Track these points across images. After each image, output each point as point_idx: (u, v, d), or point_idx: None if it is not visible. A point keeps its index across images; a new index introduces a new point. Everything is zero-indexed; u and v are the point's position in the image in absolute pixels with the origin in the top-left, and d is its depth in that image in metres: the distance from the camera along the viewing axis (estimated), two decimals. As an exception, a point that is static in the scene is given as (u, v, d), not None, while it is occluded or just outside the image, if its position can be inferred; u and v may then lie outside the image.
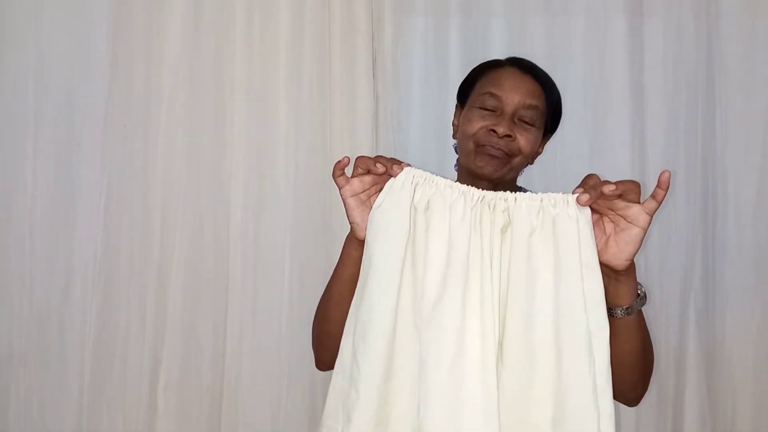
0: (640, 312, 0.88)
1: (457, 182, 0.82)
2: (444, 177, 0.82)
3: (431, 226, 0.80)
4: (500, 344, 0.79)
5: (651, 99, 1.52)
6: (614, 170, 1.51)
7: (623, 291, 0.85)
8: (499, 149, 1.02)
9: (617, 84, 1.52)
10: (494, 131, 1.02)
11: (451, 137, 1.17)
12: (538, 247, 0.78)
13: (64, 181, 1.52)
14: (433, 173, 0.82)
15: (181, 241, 1.51)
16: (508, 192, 0.80)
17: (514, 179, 1.11)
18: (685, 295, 1.52)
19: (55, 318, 1.51)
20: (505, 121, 1.03)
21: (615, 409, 0.78)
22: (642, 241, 0.80)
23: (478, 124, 1.04)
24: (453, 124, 1.18)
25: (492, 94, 1.05)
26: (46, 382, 1.51)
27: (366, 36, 1.51)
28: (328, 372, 0.89)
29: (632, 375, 0.91)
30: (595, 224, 0.80)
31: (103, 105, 1.52)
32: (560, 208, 0.78)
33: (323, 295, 0.99)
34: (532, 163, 1.12)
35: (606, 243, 0.81)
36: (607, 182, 0.78)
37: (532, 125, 1.05)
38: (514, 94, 1.04)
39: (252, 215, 1.52)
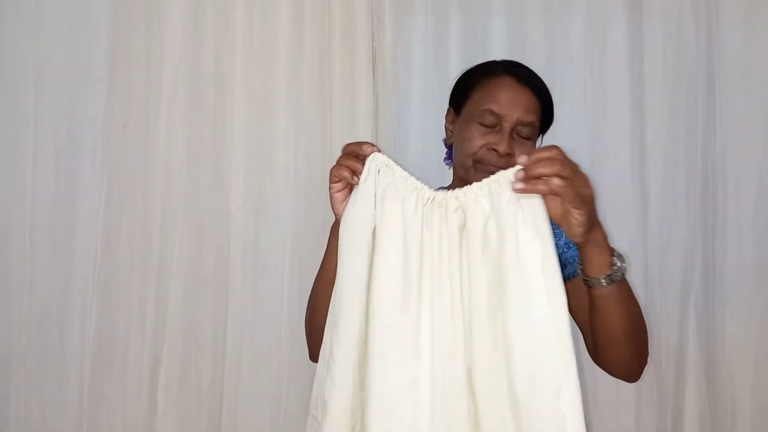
0: (625, 284, 0.88)
1: (413, 177, 0.82)
2: (439, 173, 0.83)
3: (386, 216, 0.81)
4: (468, 336, 0.79)
5: (651, 99, 1.52)
6: (614, 170, 1.51)
7: (593, 263, 0.85)
8: (500, 168, 1.02)
9: (617, 84, 1.52)
10: (495, 150, 1.03)
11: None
12: (493, 234, 0.78)
13: (64, 181, 1.52)
14: (396, 162, 0.83)
15: (181, 241, 1.51)
16: (457, 189, 0.81)
17: None
18: (685, 295, 1.52)
19: (55, 318, 1.51)
20: (505, 139, 1.04)
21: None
22: (589, 220, 0.80)
23: (478, 142, 1.05)
24: (446, 128, 1.18)
25: (492, 112, 1.06)
26: (46, 382, 1.51)
27: (366, 36, 1.51)
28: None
29: (623, 350, 0.91)
30: (553, 199, 0.79)
31: (103, 105, 1.52)
32: (504, 189, 0.79)
33: (312, 288, 1.01)
34: None
35: (561, 220, 0.82)
36: (527, 180, 0.78)
37: (528, 139, 1.06)
38: (513, 110, 1.05)
39: (252, 215, 1.52)
